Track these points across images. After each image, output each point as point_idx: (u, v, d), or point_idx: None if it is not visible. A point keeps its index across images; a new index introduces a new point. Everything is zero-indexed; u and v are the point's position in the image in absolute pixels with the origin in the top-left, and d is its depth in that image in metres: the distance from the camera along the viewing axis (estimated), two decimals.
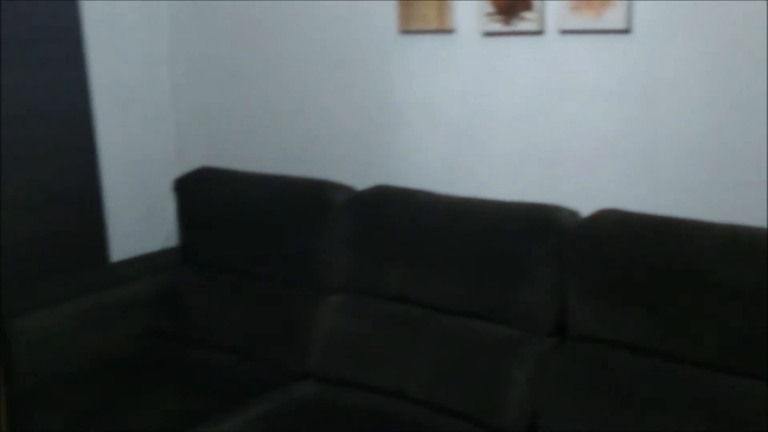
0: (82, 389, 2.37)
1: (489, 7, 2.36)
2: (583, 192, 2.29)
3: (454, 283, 2.24)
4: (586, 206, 2.17)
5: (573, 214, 2.16)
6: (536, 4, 2.28)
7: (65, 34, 2.84)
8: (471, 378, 2.11)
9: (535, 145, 2.38)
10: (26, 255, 2.80)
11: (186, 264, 2.83)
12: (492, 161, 2.47)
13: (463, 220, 2.25)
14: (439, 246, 2.26)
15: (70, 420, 2.25)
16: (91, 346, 2.58)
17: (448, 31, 2.47)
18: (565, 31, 2.27)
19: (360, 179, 2.61)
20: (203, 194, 2.81)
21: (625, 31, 2.17)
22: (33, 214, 2.82)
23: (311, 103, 2.84)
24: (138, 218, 3.16)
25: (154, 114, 3.17)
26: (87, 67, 2.90)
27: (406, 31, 2.55)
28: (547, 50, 2.31)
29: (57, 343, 2.52)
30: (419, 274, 2.31)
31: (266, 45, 2.91)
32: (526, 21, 2.30)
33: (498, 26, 2.36)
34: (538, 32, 2.30)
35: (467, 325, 2.20)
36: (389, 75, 2.63)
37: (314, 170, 2.72)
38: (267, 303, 2.58)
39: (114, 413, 2.24)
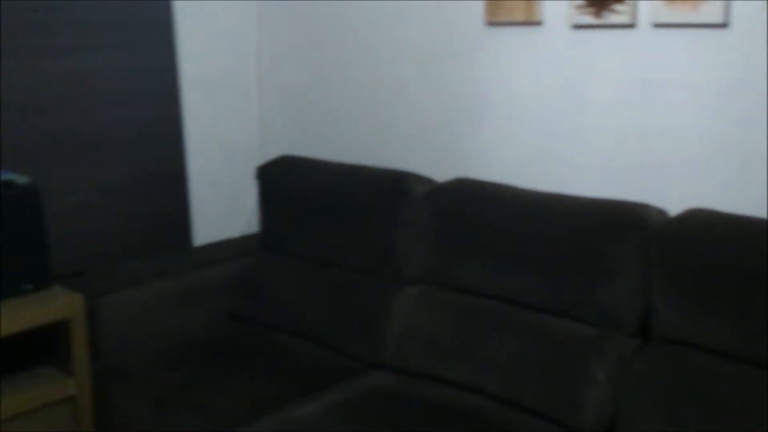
0: (162, 368, 2.43)
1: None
2: (673, 190, 2.21)
3: (535, 279, 2.20)
4: (676, 205, 2.11)
5: (660, 213, 2.10)
6: None
7: (157, 20, 2.91)
8: (550, 376, 2.08)
9: (623, 142, 2.32)
10: (114, 235, 2.89)
11: (266, 250, 2.87)
12: (577, 157, 2.42)
13: (545, 215, 2.22)
14: (520, 241, 2.23)
15: (150, 398, 2.31)
16: (172, 327, 2.65)
17: (535, 23, 2.43)
18: (658, 25, 2.20)
19: (441, 171, 2.60)
20: (285, 182, 2.84)
21: (723, 26, 2.09)
22: (121, 196, 2.90)
23: (395, 94, 2.84)
24: (220, 204, 3.21)
25: (239, 102, 3.22)
26: (177, 54, 2.97)
27: (492, 23, 2.52)
28: (639, 44, 2.24)
29: (140, 323, 2.59)
30: (499, 269, 2.28)
31: (353, 35, 2.92)
32: (618, 14, 2.25)
33: (588, 19, 2.31)
34: (630, 25, 2.24)
35: (547, 322, 2.17)
36: (474, 67, 2.60)
37: (396, 161, 2.72)
38: (344, 292, 2.60)
39: (193, 393, 2.29)
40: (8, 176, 2.32)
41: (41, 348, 2.41)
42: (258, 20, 3.19)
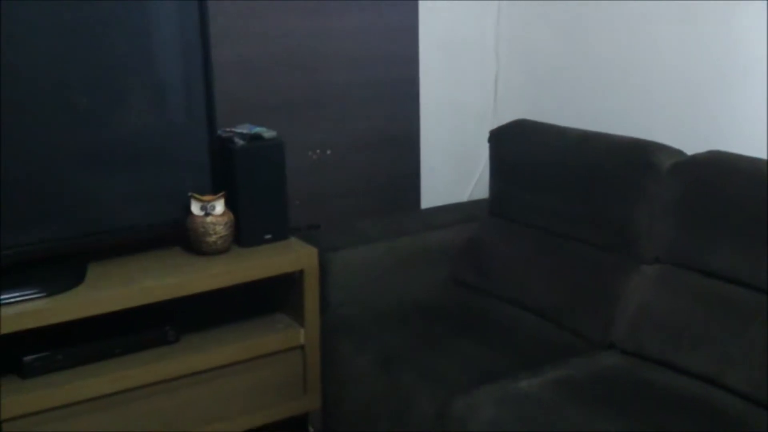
0: (387, 327, 2.45)
1: None
2: None
3: None
4: None
5: None
6: None
7: None
8: None
9: None
10: (347, 192, 2.97)
11: (494, 217, 2.81)
12: None
13: None
14: None
15: (375, 354, 2.34)
16: (397, 287, 2.67)
17: None
18: None
19: (691, 143, 2.38)
20: (518, 147, 2.75)
21: None
22: (356, 155, 2.97)
23: (643, 57, 2.65)
24: (450, 167, 3.20)
25: (475, 65, 3.17)
26: (418, 15, 2.97)
27: None
28: None
29: (368, 280, 2.63)
30: (754, 253, 2.06)
31: None
32: None
33: None
34: None
35: None
36: (738, 28, 2.35)
37: (639, 130, 2.54)
38: (574, 266, 2.48)
39: (416, 354, 2.29)
40: (257, 129, 2.42)
41: (274, 297, 2.51)
42: None
